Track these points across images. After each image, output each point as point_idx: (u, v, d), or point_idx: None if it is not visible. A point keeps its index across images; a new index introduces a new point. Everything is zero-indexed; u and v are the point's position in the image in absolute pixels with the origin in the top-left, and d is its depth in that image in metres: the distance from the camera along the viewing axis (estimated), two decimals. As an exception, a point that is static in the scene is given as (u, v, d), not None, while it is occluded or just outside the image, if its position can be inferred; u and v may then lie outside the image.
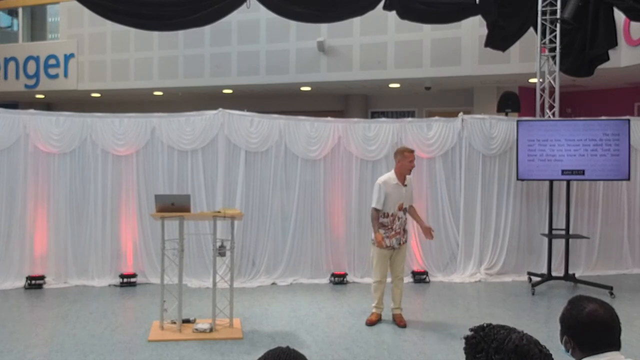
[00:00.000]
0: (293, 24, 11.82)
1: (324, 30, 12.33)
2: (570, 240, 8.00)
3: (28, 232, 7.62)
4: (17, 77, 15.11)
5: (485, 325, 1.94)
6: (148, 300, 6.95)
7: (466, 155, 8.32)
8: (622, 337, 2.28)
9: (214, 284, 5.89)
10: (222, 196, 7.85)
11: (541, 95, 9.12)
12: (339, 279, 7.96)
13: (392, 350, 5.43)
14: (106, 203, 7.80)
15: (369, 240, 6.62)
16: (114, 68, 14.43)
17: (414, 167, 6.15)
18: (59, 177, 7.73)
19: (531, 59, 9.97)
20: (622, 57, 9.97)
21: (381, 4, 8.80)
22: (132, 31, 12.94)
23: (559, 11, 8.78)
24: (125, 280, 7.67)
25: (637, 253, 8.68)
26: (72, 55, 14.69)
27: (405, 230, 6.15)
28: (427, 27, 11.55)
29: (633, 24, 9.54)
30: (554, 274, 7.82)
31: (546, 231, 8.13)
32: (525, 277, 8.16)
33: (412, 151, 6.14)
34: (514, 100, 10.58)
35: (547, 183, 8.17)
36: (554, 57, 8.98)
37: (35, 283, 7.45)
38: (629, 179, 7.97)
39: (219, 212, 6.00)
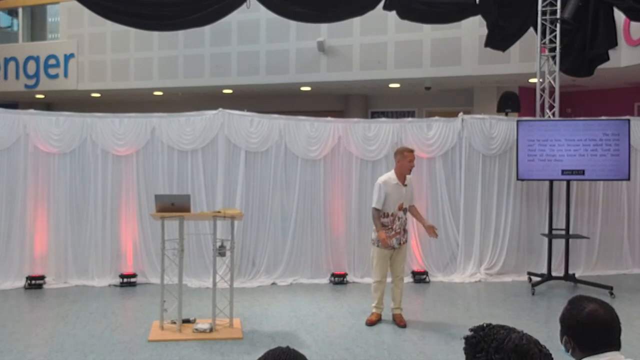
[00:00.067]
0: (293, 24, 11.82)
1: (324, 30, 12.33)
2: (570, 240, 8.00)
3: (28, 232, 7.62)
4: (17, 77, 15.11)
5: (485, 325, 1.94)
6: (148, 300, 6.95)
7: (466, 155, 8.32)
8: (622, 337, 2.28)
9: (214, 284, 5.89)
10: (222, 196, 7.85)
11: (541, 95, 9.12)
12: (339, 279, 7.96)
13: (392, 350, 5.43)
14: (106, 203, 7.80)
15: (369, 240, 6.62)
16: (114, 68, 14.43)
17: (414, 167, 6.15)
18: (59, 177, 7.73)
19: (531, 59, 9.97)
20: (622, 57, 9.97)
21: (381, 4, 8.80)
22: (132, 31, 12.94)
23: (559, 11, 8.78)
24: (125, 280, 7.67)
25: (637, 253, 8.68)
26: (72, 55, 14.69)
27: (405, 230, 6.15)
28: (427, 27, 11.55)
29: (633, 24, 9.54)
30: (554, 274, 7.82)
31: (546, 231, 8.13)
32: (525, 277, 8.16)
33: (411, 151, 6.14)
34: (514, 100, 10.58)
35: (547, 183, 8.17)
36: (554, 57, 8.98)
37: (35, 283, 7.45)
38: (629, 179, 7.97)
39: (219, 212, 6.00)
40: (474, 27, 11.05)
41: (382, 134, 8.21)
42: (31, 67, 14.99)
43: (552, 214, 8.08)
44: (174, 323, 5.84)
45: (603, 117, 8.14)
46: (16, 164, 7.62)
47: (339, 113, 13.91)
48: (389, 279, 6.22)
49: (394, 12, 9.13)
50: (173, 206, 5.77)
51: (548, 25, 8.93)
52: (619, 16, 9.15)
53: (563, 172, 7.77)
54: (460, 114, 8.50)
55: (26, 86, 15.06)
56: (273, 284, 7.86)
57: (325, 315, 6.52)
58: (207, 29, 12.17)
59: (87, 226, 7.77)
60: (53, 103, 17.21)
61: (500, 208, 8.38)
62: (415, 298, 7.35)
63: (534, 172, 7.87)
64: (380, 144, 8.17)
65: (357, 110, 14.78)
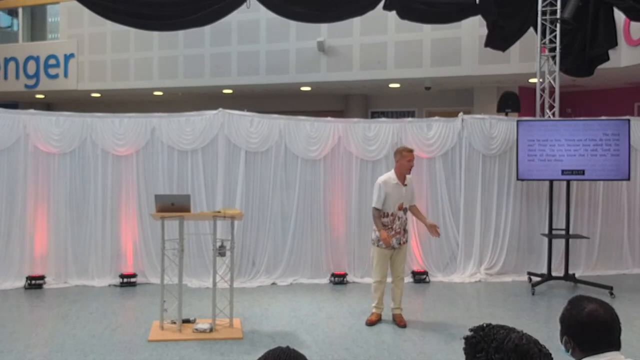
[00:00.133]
0: (293, 24, 11.82)
1: (324, 30, 12.33)
2: (570, 240, 8.00)
3: (28, 232, 7.62)
4: (17, 77, 15.11)
5: (484, 325, 1.94)
6: (148, 300, 6.95)
7: (466, 155, 8.32)
8: (622, 337, 2.28)
9: (214, 284, 5.89)
10: (222, 196, 7.85)
11: (541, 95, 9.12)
12: (339, 279, 7.96)
13: (392, 350, 5.43)
14: (106, 203, 7.80)
15: (369, 240, 6.62)
16: (114, 68, 14.43)
17: (413, 166, 6.14)
18: (59, 177, 7.73)
19: (531, 59, 9.97)
20: (622, 57, 9.97)
21: (381, 4, 8.80)
22: (132, 31, 12.94)
23: (559, 11, 8.78)
24: (125, 280, 7.67)
25: (637, 253, 8.68)
26: (72, 55, 14.69)
27: (405, 230, 6.15)
28: (427, 27, 11.55)
29: (633, 24, 9.54)
30: (554, 274, 7.82)
31: (546, 231, 8.13)
32: (525, 277, 8.16)
33: (410, 151, 6.13)
34: (514, 100, 10.58)
35: (547, 183, 8.17)
36: (554, 57, 8.98)
37: (35, 283, 7.45)
38: (629, 179, 7.97)
39: (219, 212, 6.00)
40: (474, 27, 11.05)
41: (382, 134, 8.21)
42: (31, 67, 14.99)
43: (552, 214, 8.08)
44: (174, 323, 5.84)
45: (603, 117, 8.14)
46: (16, 164, 7.62)
47: (339, 113, 13.91)
48: (389, 279, 6.22)
49: (394, 12, 9.13)
50: (173, 206, 5.77)
51: (548, 25, 8.93)
52: (619, 16, 9.15)
53: (563, 172, 7.77)
54: (460, 114, 8.50)
55: (26, 86, 15.06)
56: (273, 284, 7.86)
57: (325, 315, 6.52)
58: (207, 29, 12.17)
59: (87, 226, 7.77)
60: (53, 103, 17.21)
61: (500, 208, 8.38)
62: (415, 298, 7.35)
63: (534, 172, 7.87)
64: (380, 144, 8.17)
65: (357, 110, 14.78)
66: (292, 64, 12.94)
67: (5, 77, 15.19)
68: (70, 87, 14.76)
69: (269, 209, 8.01)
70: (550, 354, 1.86)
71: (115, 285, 7.66)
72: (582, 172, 7.74)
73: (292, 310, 6.65)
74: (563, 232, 7.95)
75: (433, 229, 6.17)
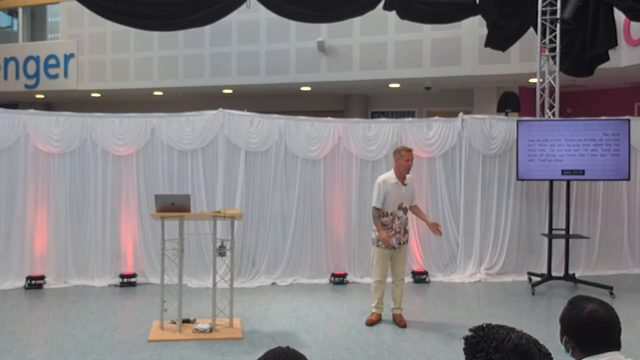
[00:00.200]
0: (293, 24, 11.82)
1: (324, 30, 12.34)
2: (570, 240, 8.00)
3: (28, 232, 7.62)
4: (17, 77, 15.12)
5: (484, 325, 1.94)
6: (148, 300, 6.95)
7: (466, 155, 8.32)
8: (622, 337, 2.28)
9: (214, 284, 5.89)
10: (222, 196, 7.84)
11: (541, 95, 9.12)
12: (339, 279, 7.96)
13: (392, 350, 5.43)
14: (106, 203, 7.80)
15: (369, 240, 6.62)
16: (114, 68, 14.43)
17: (412, 166, 6.13)
18: (59, 177, 7.73)
19: (531, 59, 9.97)
20: (622, 57, 9.97)
21: (381, 4, 8.80)
22: (132, 31, 12.94)
23: (559, 11, 8.78)
24: (125, 280, 7.67)
25: (637, 253, 8.68)
26: (72, 55, 14.69)
27: (405, 230, 6.15)
28: (427, 27, 11.55)
29: (633, 24, 9.54)
30: (554, 274, 7.82)
31: (546, 231, 8.13)
32: (525, 277, 8.16)
33: (409, 150, 6.13)
34: (514, 100, 10.58)
35: (547, 183, 8.17)
36: (554, 57, 8.98)
37: (35, 283, 7.45)
38: (629, 179, 7.97)
39: (219, 212, 6.00)
40: (474, 27, 11.05)
41: (382, 134, 8.21)
42: (31, 67, 15.00)
43: (552, 214, 8.08)
44: (174, 323, 5.84)
45: (603, 117, 8.14)
46: (16, 164, 7.62)
47: (339, 113, 13.91)
48: (389, 279, 6.22)
49: (394, 12, 9.13)
50: (173, 206, 5.77)
51: (548, 25, 8.93)
52: (619, 16, 9.15)
53: (563, 172, 7.77)
54: (460, 114, 8.50)
55: (26, 86, 15.06)
56: (273, 284, 7.86)
57: (325, 315, 6.52)
58: (207, 29, 12.17)
59: (87, 226, 7.77)
60: (53, 103, 17.21)
61: (500, 208, 8.38)
62: (415, 298, 7.35)
63: (534, 172, 7.87)
64: (380, 144, 8.17)
65: (357, 110, 14.79)
66: (292, 64, 12.94)
67: (5, 77, 15.19)
68: (70, 87, 14.77)
69: (269, 209, 8.01)
70: (550, 354, 1.86)
71: (115, 285, 7.66)
72: (582, 172, 7.74)
73: (292, 310, 6.65)
74: (563, 232, 7.95)
75: (435, 228, 6.18)
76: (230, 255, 5.95)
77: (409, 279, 7.83)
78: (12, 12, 16.77)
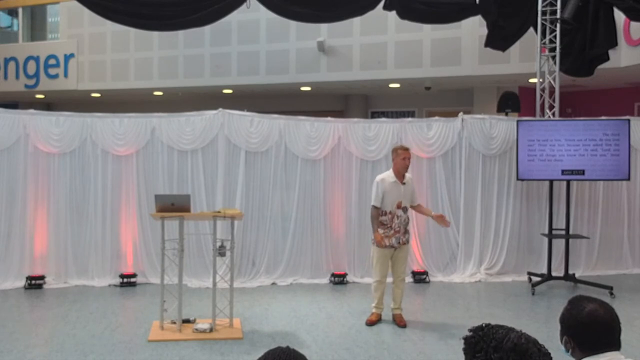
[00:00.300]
0: (293, 24, 11.82)
1: (324, 30, 12.33)
2: (570, 240, 8.00)
3: (28, 232, 7.62)
4: (17, 77, 15.12)
5: (484, 325, 1.94)
6: (148, 300, 6.95)
7: (466, 155, 8.32)
8: (622, 337, 2.28)
9: (214, 284, 5.89)
10: (222, 196, 7.84)
11: (541, 95, 9.12)
12: (339, 279, 7.96)
13: (392, 350, 5.43)
14: (106, 203, 7.80)
15: (369, 240, 6.62)
16: (114, 68, 14.43)
17: (409, 165, 6.13)
18: (59, 177, 7.73)
19: (531, 59, 9.97)
20: (622, 57, 9.97)
21: (381, 4, 8.80)
22: (132, 31, 12.94)
23: (559, 11, 8.78)
24: (125, 280, 7.67)
25: (637, 253, 8.68)
26: (72, 55, 14.69)
27: (406, 230, 6.14)
28: (427, 27, 11.55)
29: (633, 24, 9.54)
30: (554, 274, 7.82)
31: (546, 231, 8.13)
32: (525, 277, 8.16)
33: (406, 149, 6.14)
34: (514, 100, 10.58)
35: (547, 183, 8.17)
36: (554, 57, 8.97)
37: (35, 283, 7.45)
38: (629, 179, 7.96)
39: (219, 212, 6.00)
40: (474, 27, 11.05)
41: (382, 134, 8.21)
42: (31, 67, 15.00)
43: (552, 214, 8.08)
44: (174, 323, 5.84)
45: (603, 117, 8.14)
46: (16, 164, 7.62)
47: (339, 113, 13.91)
48: (389, 279, 6.22)
49: (394, 12, 9.13)
50: (173, 206, 5.77)
51: (548, 25, 8.93)
52: (619, 16, 9.15)
53: (563, 172, 7.77)
54: (460, 114, 8.50)
55: (26, 86, 15.07)
56: (273, 284, 7.86)
57: (325, 315, 6.52)
58: (207, 29, 12.17)
59: (87, 226, 7.77)
60: (53, 103, 17.22)
61: (500, 208, 8.38)
62: (415, 298, 7.35)
63: (534, 172, 7.87)
64: (380, 144, 8.17)
65: (357, 110, 14.79)
66: (292, 64, 12.94)
67: (5, 77, 15.19)
68: (70, 87, 14.77)
69: (269, 209, 8.01)
70: (549, 354, 1.86)
71: (115, 285, 7.66)
72: (582, 172, 7.74)
73: (292, 310, 6.65)
74: (563, 232, 7.95)
75: (441, 220, 6.22)
76: (230, 255, 5.95)
77: (409, 279, 7.82)
78: (12, 12, 16.77)
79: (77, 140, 7.78)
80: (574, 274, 7.82)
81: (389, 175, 6.12)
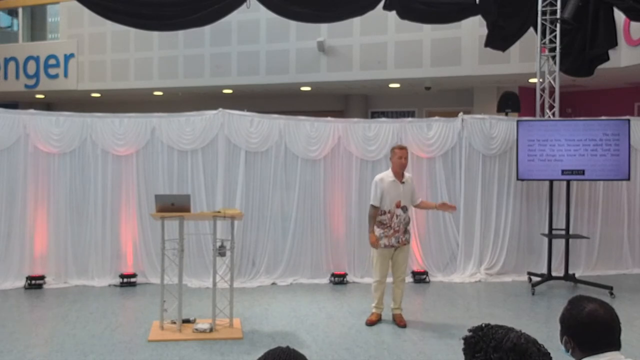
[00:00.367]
0: (293, 24, 11.83)
1: (324, 30, 12.33)
2: (570, 240, 8.00)
3: (28, 232, 7.62)
4: (17, 77, 15.12)
5: (483, 325, 1.94)
6: (148, 300, 6.95)
7: (466, 155, 8.32)
8: (622, 337, 2.28)
9: (214, 284, 5.89)
10: (222, 196, 7.85)
11: (541, 95, 9.12)
12: (339, 279, 7.96)
13: (392, 350, 5.43)
14: (106, 203, 7.80)
15: (369, 240, 6.61)
16: (114, 68, 14.43)
17: (405, 163, 6.12)
18: (59, 177, 7.73)
19: (531, 59, 9.97)
20: (622, 57, 9.97)
21: (381, 4, 8.80)
22: (132, 31, 12.94)
23: (559, 11, 8.78)
24: (125, 280, 7.67)
25: (637, 253, 8.68)
26: (72, 55, 14.69)
27: (406, 230, 6.14)
28: (427, 27, 11.55)
29: (633, 24, 9.54)
30: (554, 274, 7.82)
31: (546, 231, 8.13)
32: (525, 277, 8.16)
33: (402, 148, 6.15)
34: (514, 100, 10.58)
35: (547, 183, 8.17)
36: (554, 57, 8.97)
37: (35, 283, 7.45)
38: (629, 179, 7.96)
39: (219, 212, 6.00)
40: (474, 27, 11.05)
41: (382, 134, 8.21)
42: (31, 67, 15.00)
43: (552, 214, 8.08)
44: (174, 323, 5.84)
45: (603, 117, 8.14)
46: (16, 164, 7.62)
47: (339, 113, 13.91)
48: (389, 279, 6.22)
49: (394, 12, 9.13)
50: (173, 206, 5.77)
51: (548, 25, 8.93)
52: (619, 16, 9.15)
53: (563, 172, 7.77)
54: (460, 114, 8.50)
55: (26, 86, 15.07)
56: (273, 284, 7.86)
57: (325, 315, 6.52)
58: (207, 29, 12.17)
59: (87, 226, 7.77)
60: (53, 103, 17.21)
61: (500, 208, 8.38)
62: (415, 298, 7.35)
63: (534, 172, 7.87)
64: (380, 144, 8.17)
65: (357, 110, 14.79)
66: (292, 64, 12.94)
67: (5, 77, 15.19)
68: (70, 87, 14.77)
69: (269, 209, 8.01)
70: (549, 354, 1.86)
71: (115, 285, 7.66)
72: (582, 172, 7.74)
73: (292, 310, 6.65)
74: (563, 232, 7.95)
75: (446, 207, 6.33)
76: (230, 255, 5.96)
77: (409, 279, 7.82)
78: (12, 12, 16.77)
79: (77, 140, 7.78)
80: (574, 274, 7.82)
81: (388, 174, 6.13)
